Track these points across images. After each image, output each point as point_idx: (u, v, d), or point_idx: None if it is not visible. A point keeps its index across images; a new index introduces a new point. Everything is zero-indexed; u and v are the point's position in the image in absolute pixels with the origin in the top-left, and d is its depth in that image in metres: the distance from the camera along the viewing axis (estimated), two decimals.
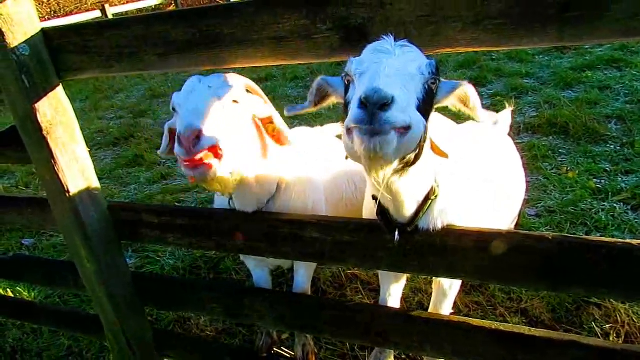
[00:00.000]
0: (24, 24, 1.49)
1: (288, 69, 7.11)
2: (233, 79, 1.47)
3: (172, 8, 15.06)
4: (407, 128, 0.96)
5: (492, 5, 1.04)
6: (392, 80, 0.97)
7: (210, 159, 1.31)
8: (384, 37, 1.11)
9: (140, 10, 13.96)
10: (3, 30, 1.45)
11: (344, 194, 2.23)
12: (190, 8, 1.42)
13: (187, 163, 1.29)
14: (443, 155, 1.24)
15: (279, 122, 1.58)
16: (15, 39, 1.48)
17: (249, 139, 1.52)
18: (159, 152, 1.63)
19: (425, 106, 1.06)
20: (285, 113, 1.47)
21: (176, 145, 1.29)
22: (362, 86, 1.00)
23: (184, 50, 1.41)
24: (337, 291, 2.70)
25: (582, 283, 1.24)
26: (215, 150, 1.32)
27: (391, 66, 1.01)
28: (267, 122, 1.57)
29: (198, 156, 1.28)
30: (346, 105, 1.14)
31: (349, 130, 0.98)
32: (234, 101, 1.43)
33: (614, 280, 1.18)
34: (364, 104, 0.91)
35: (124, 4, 14.00)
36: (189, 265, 3.13)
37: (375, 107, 0.90)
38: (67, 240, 1.86)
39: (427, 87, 1.06)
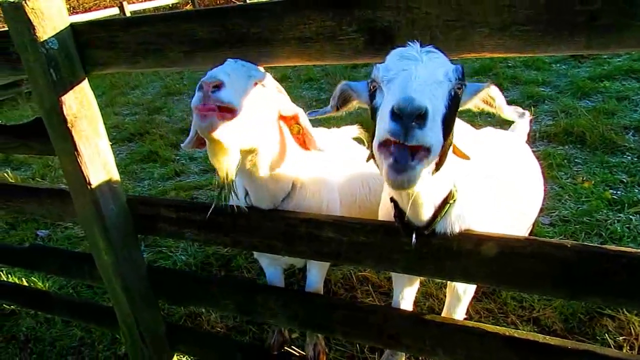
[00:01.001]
0: (54, 18, 1.53)
1: (302, 70, 7.14)
2: (268, 77, 1.48)
3: (189, 7, 15.20)
4: (428, 149, 0.97)
5: (520, 12, 1.05)
6: (423, 89, 0.97)
7: (224, 116, 1.25)
8: (410, 43, 1.11)
9: (157, 8, 14.10)
10: (34, 23, 1.49)
11: (357, 195, 2.24)
12: (217, 7, 1.44)
13: (201, 111, 1.22)
14: (465, 157, 1.24)
15: (306, 124, 1.55)
16: (45, 32, 1.51)
17: (268, 127, 1.49)
18: (182, 145, 1.62)
19: (451, 113, 1.06)
20: (307, 117, 1.48)
21: (195, 93, 1.24)
22: (392, 95, 1.00)
23: (209, 49, 1.43)
24: (348, 293, 2.70)
25: (600, 292, 1.23)
26: (231, 110, 1.26)
27: (421, 74, 1.01)
28: (292, 122, 1.55)
29: (211, 102, 1.22)
30: (373, 111, 1.14)
31: (381, 144, 0.99)
32: (263, 84, 1.42)
33: (634, 290, 1.18)
34: (397, 114, 0.91)
35: (141, 1, 14.14)
36: (200, 261, 3.16)
37: (409, 119, 0.90)
38: (86, 232, 1.89)
39: (453, 93, 1.07)
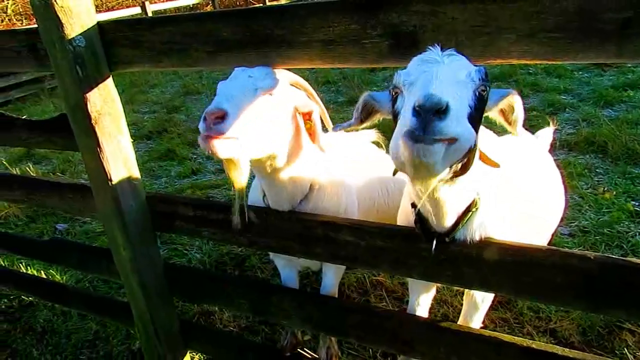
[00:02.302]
0: (82, 17, 1.55)
1: (320, 73, 7.15)
2: (279, 74, 1.48)
3: (209, 8, 15.35)
4: (454, 139, 0.95)
5: (549, 19, 1.03)
6: (444, 87, 0.96)
7: (224, 142, 1.30)
8: (430, 48, 1.10)
9: (177, 8, 14.28)
10: (63, 21, 1.51)
11: (375, 199, 2.23)
12: (243, 8, 1.46)
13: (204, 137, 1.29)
14: (494, 164, 1.22)
15: (316, 121, 1.57)
16: (73, 30, 1.54)
17: (281, 133, 1.50)
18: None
19: (477, 114, 1.05)
20: (332, 131, 1.48)
21: (200, 122, 1.30)
22: (414, 95, 1.00)
23: (233, 49, 1.44)
24: (361, 297, 2.69)
25: (623, 306, 1.20)
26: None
27: (442, 75, 1.01)
28: (307, 117, 1.57)
29: (213, 134, 1.28)
30: (395, 116, 1.13)
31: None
32: (270, 94, 1.43)
33: None
34: (418, 111, 0.90)
35: (162, 1, 14.34)
36: (215, 260, 3.18)
37: (429, 113, 0.89)
38: (105, 228, 1.92)
39: (478, 94, 1.06)
